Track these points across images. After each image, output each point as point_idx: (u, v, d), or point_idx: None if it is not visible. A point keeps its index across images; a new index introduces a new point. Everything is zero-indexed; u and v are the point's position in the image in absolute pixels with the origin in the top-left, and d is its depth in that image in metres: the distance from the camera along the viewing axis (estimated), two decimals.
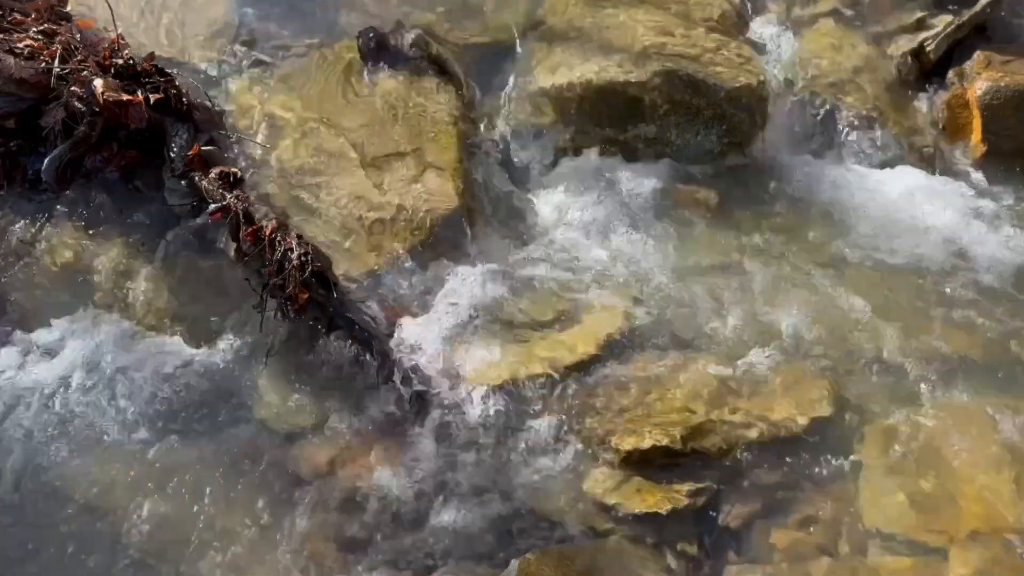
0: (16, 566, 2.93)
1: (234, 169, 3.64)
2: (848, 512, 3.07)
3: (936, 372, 3.42)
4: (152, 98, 3.67)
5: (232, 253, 3.52)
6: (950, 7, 4.48)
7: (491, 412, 3.24)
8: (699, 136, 4.15)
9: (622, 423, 3.23)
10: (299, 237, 3.42)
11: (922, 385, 3.38)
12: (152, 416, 3.23)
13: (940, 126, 4.32)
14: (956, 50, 4.37)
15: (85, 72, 3.67)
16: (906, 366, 3.44)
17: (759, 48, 4.39)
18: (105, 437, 3.17)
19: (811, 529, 3.05)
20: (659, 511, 3.05)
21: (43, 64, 3.69)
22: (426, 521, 3.05)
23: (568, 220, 3.88)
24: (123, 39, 3.90)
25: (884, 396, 3.36)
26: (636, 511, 3.06)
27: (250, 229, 3.42)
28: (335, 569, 2.96)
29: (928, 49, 4.37)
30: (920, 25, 4.48)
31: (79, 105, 3.62)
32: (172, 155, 3.66)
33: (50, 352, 3.33)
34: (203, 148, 3.67)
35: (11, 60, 3.66)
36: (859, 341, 3.51)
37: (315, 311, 3.39)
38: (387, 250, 3.60)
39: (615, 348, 3.43)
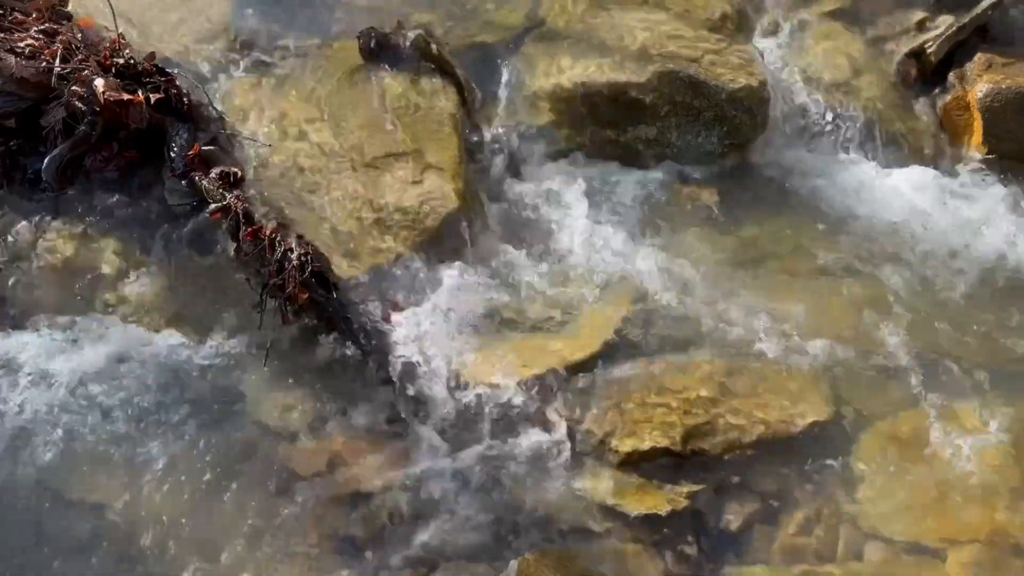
0: (12, 566, 2.92)
1: (234, 169, 3.63)
2: (847, 514, 3.07)
3: (936, 373, 3.42)
4: (153, 98, 3.66)
5: (232, 253, 3.52)
6: (951, 9, 4.48)
7: (490, 412, 3.24)
8: (700, 137, 4.15)
9: (622, 424, 3.22)
10: (299, 237, 3.42)
11: (922, 387, 3.38)
12: (150, 415, 3.22)
13: (941, 128, 4.32)
14: (957, 52, 4.38)
15: (86, 72, 3.67)
16: (906, 367, 3.44)
17: (760, 49, 4.39)
18: (103, 437, 3.17)
19: (810, 531, 3.05)
20: (658, 512, 3.05)
21: (44, 64, 3.69)
22: (425, 521, 3.05)
23: (568, 221, 3.88)
24: (124, 39, 3.90)
25: (884, 397, 3.36)
26: (635, 512, 3.06)
27: (250, 229, 3.42)
28: (333, 569, 2.96)
29: (929, 51, 4.38)
30: (921, 27, 4.49)
31: (80, 105, 3.62)
32: (172, 155, 3.65)
33: (49, 351, 3.32)
34: (203, 148, 3.66)
35: (12, 59, 3.66)
36: (859, 342, 3.51)
37: (315, 311, 3.39)
38: (387, 250, 3.60)
39: (615, 349, 3.43)
